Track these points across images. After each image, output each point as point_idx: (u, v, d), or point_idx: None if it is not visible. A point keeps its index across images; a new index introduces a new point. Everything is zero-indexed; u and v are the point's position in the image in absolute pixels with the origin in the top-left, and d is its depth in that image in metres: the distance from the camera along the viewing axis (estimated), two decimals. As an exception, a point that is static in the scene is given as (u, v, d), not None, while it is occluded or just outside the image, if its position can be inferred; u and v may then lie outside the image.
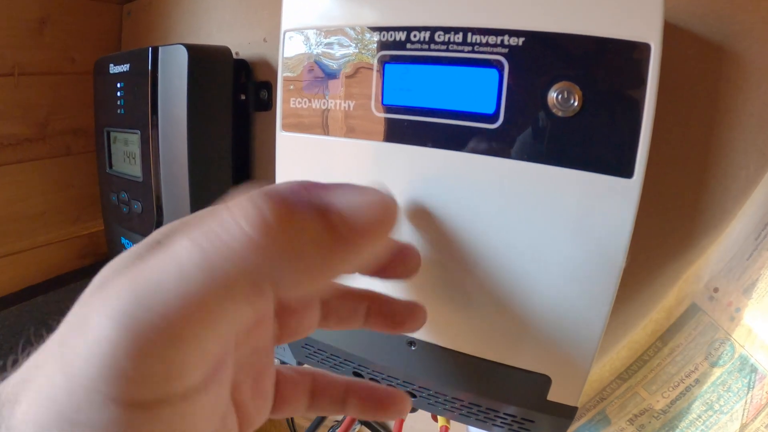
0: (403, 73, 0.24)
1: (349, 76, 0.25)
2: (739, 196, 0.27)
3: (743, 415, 0.28)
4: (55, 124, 0.50)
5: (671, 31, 0.27)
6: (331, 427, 0.44)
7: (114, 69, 0.39)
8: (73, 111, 0.51)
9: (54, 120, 0.50)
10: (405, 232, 0.25)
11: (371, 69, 0.25)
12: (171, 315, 0.09)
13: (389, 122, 0.25)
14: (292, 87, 0.27)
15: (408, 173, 0.25)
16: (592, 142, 0.22)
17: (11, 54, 0.46)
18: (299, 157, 0.28)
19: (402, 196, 0.25)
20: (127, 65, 0.38)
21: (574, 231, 0.22)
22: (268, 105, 0.40)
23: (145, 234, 0.40)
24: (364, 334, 0.29)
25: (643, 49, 0.21)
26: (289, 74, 0.27)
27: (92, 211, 0.55)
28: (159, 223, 0.38)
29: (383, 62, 0.25)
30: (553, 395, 0.25)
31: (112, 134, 0.42)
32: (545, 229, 0.23)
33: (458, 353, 0.26)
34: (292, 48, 0.27)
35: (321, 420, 0.37)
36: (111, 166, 0.42)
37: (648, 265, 0.29)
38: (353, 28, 0.25)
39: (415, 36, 0.24)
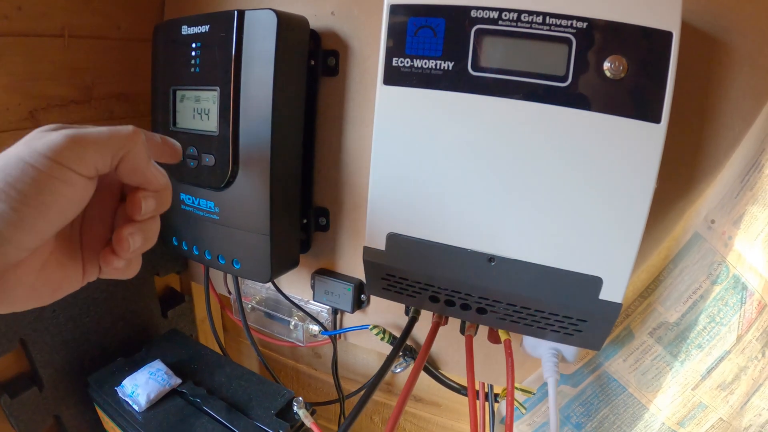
0: (495, 43, 0.31)
1: (449, 43, 0.31)
2: (728, 150, 0.36)
3: (738, 327, 0.35)
4: (101, 88, 0.51)
5: (680, 23, 0.35)
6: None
7: (188, 30, 0.42)
8: (118, 76, 0.53)
9: (99, 84, 0.51)
10: (491, 163, 0.32)
11: (468, 38, 0.31)
12: None
13: (482, 80, 0.31)
14: (394, 48, 0.33)
15: (496, 119, 0.31)
16: (634, 98, 0.30)
17: (60, 16, 0.47)
18: (398, 107, 0.33)
19: (490, 136, 0.32)
20: (206, 26, 0.41)
21: (618, 162, 0.30)
22: (335, 71, 0.44)
23: (215, 188, 0.43)
24: (444, 255, 0.34)
25: (668, 35, 0.29)
26: (392, 38, 0.33)
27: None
28: (234, 174, 0.42)
29: (478, 33, 0.31)
30: (604, 294, 0.32)
31: (179, 93, 0.44)
32: (598, 160, 0.30)
33: (531, 264, 0.32)
34: (396, 17, 0.32)
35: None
36: (175, 124, 0.45)
37: (660, 203, 0.38)
38: (454, 5, 0.31)
39: (505, 15, 0.30)
